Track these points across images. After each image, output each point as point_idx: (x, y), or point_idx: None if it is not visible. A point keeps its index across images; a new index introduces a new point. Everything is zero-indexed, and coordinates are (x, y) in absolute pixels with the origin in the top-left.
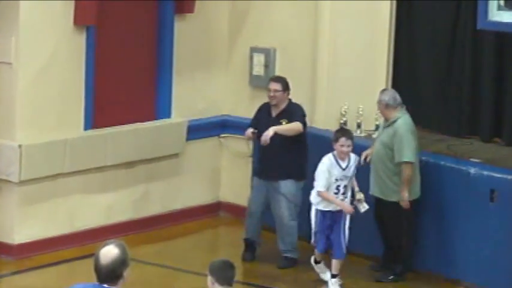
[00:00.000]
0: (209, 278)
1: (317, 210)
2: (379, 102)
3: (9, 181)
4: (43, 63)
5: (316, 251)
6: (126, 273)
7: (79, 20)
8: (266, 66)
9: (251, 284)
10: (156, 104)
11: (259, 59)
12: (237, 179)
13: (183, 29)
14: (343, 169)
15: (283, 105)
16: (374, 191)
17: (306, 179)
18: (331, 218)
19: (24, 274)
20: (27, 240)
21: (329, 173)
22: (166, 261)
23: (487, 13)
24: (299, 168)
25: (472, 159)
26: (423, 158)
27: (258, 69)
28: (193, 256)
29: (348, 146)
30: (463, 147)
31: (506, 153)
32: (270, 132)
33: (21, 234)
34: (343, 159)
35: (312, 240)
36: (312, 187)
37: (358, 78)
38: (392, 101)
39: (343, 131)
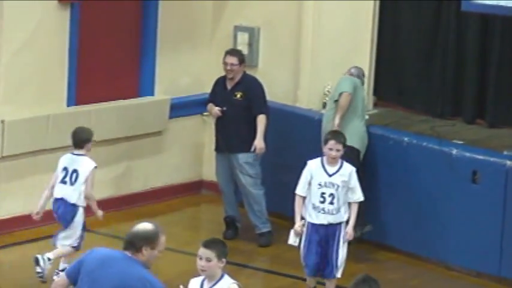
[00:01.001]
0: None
1: (307, 223)
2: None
3: None
4: (27, 40)
5: (305, 271)
6: (148, 253)
7: None
8: (250, 45)
9: (233, 262)
10: (139, 81)
11: (243, 37)
12: None
13: (167, 7)
14: (329, 175)
15: (238, 78)
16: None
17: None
18: (324, 233)
19: (5, 250)
20: (9, 216)
21: (311, 177)
22: None
23: None
24: (250, 142)
25: (454, 141)
26: (405, 138)
27: (242, 48)
28: (175, 233)
29: (337, 150)
30: (446, 129)
31: (489, 135)
32: (262, 145)
33: (2, 210)
34: (331, 164)
35: (302, 257)
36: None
37: (341, 58)
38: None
39: (333, 134)
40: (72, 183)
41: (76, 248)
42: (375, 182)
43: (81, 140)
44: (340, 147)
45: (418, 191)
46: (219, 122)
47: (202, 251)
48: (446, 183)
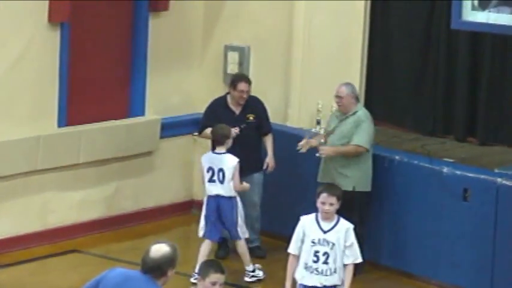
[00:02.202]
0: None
1: (299, 285)
2: (348, 94)
3: None
4: (17, 60)
5: None
6: (171, 273)
7: (53, 17)
8: (240, 64)
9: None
10: (129, 102)
11: (233, 56)
12: None
13: (158, 27)
14: (324, 232)
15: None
16: (323, 179)
17: None
18: None
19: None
20: (0, 237)
21: (303, 234)
22: (138, 259)
23: (461, 13)
24: (262, 161)
25: (445, 159)
26: (397, 157)
27: (232, 67)
28: None
29: (331, 204)
30: (437, 147)
31: (480, 153)
32: (273, 163)
33: None
34: (326, 220)
35: None
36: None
37: (332, 77)
38: (356, 93)
39: (326, 186)
40: (221, 182)
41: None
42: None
43: (223, 135)
44: (334, 200)
45: (409, 209)
46: (239, 147)
47: (219, 277)
48: (437, 201)
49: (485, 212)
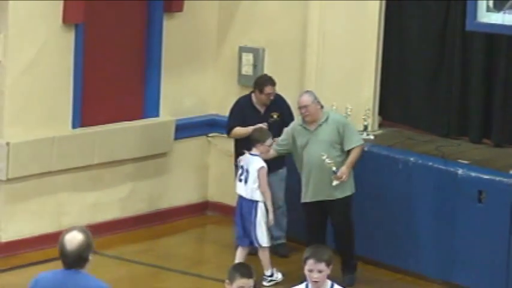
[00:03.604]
0: None
1: None
2: (312, 102)
3: None
4: (31, 61)
5: None
6: (91, 256)
7: (68, 18)
8: (255, 65)
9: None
10: (144, 103)
11: (247, 58)
12: (224, 178)
13: (172, 28)
14: None
15: None
16: (317, 196)
17: None
18: None
19: (11, 272)
20: (14, 238)
21: None
22: (153, 260)
23: (476, 14)
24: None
25: (460, 161)
26: (411, 158)
27: (247, 69)
28: (180, 255)
29: (319, 271)
30: (452, 148)
31: (495, 154)
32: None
33: (8, 232)
34: None
35: None
36: None
37: (346, 79)
38: (318, 99)
39: (313, 251)
40: (245, 182)
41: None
42: (379, 203)
43: (254, 139)
44: (322, 266)
45: (424, 211)
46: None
47: (246, 281)
48: (452, 203)
49: (500, 214)
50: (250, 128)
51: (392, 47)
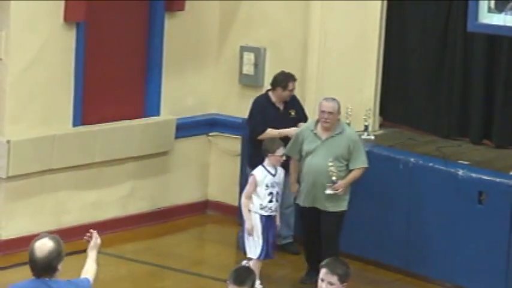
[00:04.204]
0: None
1: None
2: (337, 111)
3: None
4: (33, 59)
5: None
6: (61, 266)
7: (69, 17)
8: (256, 65)
9: None
10: (145, 101)
11: (249, 57)
12: (225, 177)
13: (173, 27)
14: None
15: None
16: (314, 203)
17: None
18: None
19: (11, 270)
20: (15, 236)
21: None
22: (153, 259)
23: (477, 15)
24: None
25: (460, 161)
26: (412, 159)
27: (248, 68)
28: (180, 253)
29: (330, 283)
30: (452, 149)
31: (495, 155)
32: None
33: (8, 230)
34: None
35: None
36: None
37: (347, 79)
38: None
39: (329, 261)
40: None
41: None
42: (380, 203)
43: (265, 150)
44: (335, 280)
45: (424, 211)
46: None
47: None
48: (452, 204)
49: (501, 215)
50: (284, 131)
51: (394, 47)
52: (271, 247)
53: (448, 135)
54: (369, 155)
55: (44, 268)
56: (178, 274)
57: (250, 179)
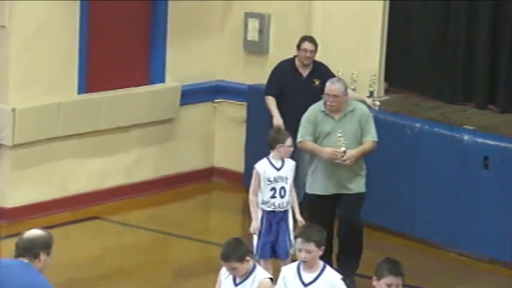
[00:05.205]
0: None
1: None
2: (343, 92)
3: (3, 145)
4: (37, 27)
5: None
6: (45, 259)
7: None
8: (260, 31)
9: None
10: (150, 69)
11: (253, 24)
12: (230, 144)
13: None
14: (305, 285)
15: (311, 64)
16: (335, 189)
17: None
18: None
19: (17, 238)
20: (20, 204)
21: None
22: (159, 226)
23: None
24: None
25: (466, 127)
26: (417, 125)
27: (253, 35)
28: (186, 221)
29: (308, 251)
30: (457, 114)
31: (501, 121)
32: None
33: (14, 198)
34: (307, 270)
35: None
36: None
37: (352, 45)
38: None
39: (302, 230)
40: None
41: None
42: (385, 169)
43: (274, 141)
44: (312, 247)
45: (429, 177)
46: (292, 109)
47: (224, 264)
48: (457, 169)
49: (506, 179)
50: (276, 114)
51: (398, 13)
52: (268, 245)
53: (453, 101)
54: (375, 120)
55: (24, 248)
56: (184, 241)
57: (253, 173)
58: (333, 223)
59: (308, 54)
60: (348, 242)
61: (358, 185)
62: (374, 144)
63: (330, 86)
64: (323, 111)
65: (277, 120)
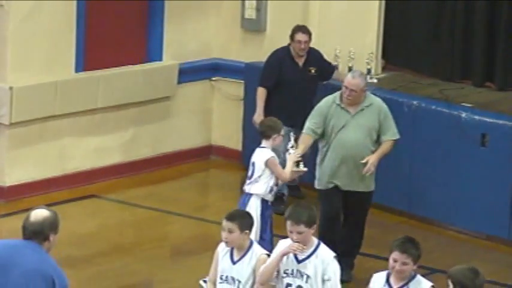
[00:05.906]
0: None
1: None
2: (362, 88)
3: (0, 123)
4: (34, 6)
5: None
6: (53, 239)
7: None
8: (258, 9)
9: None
10: (147, 47)
11: (251, 2)
12: (228, 122)
13: None
14: (298, 261)
15: (306, 53)
16: (345, 186)
17: None
18: None
19: (15, 216)
20: (18, 182)
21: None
22: (156, 204)
23: None
24: None
25: (463, 104)
26: (415, 102)
27: (250, 13)
28: (184, 199)
29: (299, 232)
30: (455, 92)
31: (498, 98)
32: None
33: (12, 176)
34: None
35: None
36: None
37: (349, 22)
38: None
39: (291, 211)
40: (249, 177)
41: None
42: None
43: (270, 129)
44: (302, 228)
45: (427, 154)
46: (290, 98)
47: (225, 223)
48: (455, 147)
49: (504, 157)
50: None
51: None
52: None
53: (451, 78)
54: None
55: (34, 232)
56: (182, 219)
57: (273, 161)
58: (339, 219)
59: (302, 46)
60: (351, 243)
61: (367, 184)
62: (393, 144)
63: (350, 80)
64: (338, 104)
65: (259, 116)
